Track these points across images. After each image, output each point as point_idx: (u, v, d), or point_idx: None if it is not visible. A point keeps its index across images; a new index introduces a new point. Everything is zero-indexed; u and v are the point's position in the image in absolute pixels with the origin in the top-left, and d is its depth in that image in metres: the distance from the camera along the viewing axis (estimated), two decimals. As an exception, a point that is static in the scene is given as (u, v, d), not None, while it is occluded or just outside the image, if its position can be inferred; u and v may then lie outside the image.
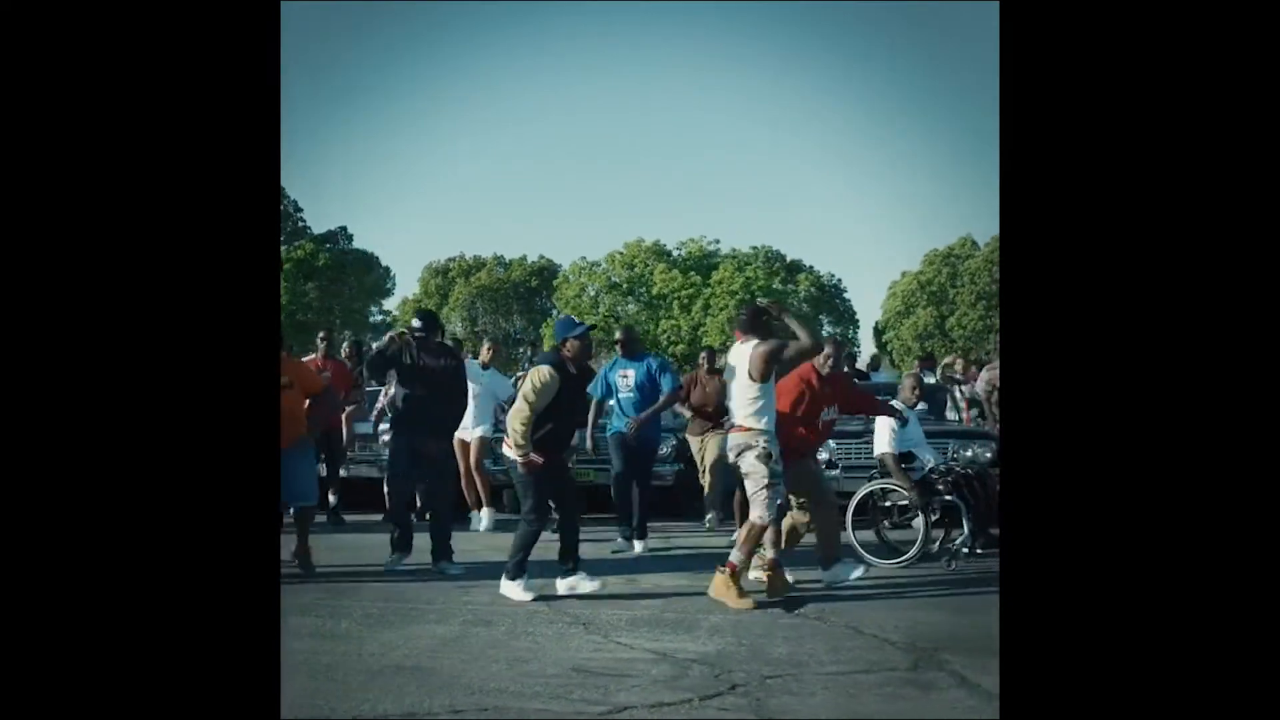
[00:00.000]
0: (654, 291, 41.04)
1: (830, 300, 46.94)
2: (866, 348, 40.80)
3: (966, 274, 43.17)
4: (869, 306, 58.86)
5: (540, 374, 5.24)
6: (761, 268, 42.17)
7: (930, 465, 6.82)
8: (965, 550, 6.46)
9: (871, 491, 6.78)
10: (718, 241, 44.61)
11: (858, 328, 48.48)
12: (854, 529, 6.60)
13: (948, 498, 6.58)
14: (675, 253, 44.34)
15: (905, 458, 6.80)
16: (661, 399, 7.21)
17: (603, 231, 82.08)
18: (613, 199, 73.51)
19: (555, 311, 44.12)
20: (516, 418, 5.25)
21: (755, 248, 45.52)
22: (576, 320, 5.75)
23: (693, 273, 42.55)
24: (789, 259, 46.63)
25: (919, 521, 6.58)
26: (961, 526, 6.55)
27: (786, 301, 34.44)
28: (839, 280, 47.84)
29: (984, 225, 42.52)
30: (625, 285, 41.41)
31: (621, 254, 43.91)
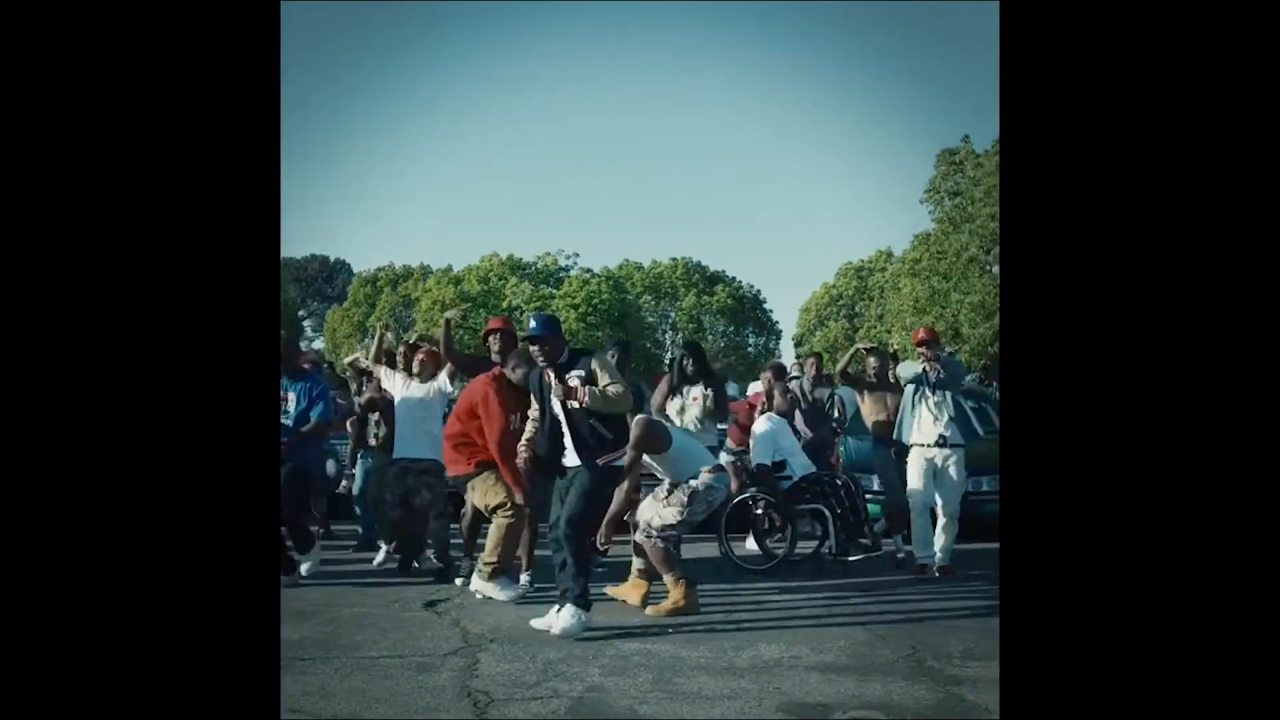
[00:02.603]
0: (504, 304, 41.59)
1: (750, 311, 47.54)
2: (788, 359, 41.39)
3: (876, 288, 43.68)
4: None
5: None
6: (605, 282, 43.56)
7: (799, 474, 6.88)
8: (830, 556, 6.64)
9: (744, 500, 6.88)
10: (576, 255, 47.16)
11: (779, 339, 49.29)
12: (727, 537, 6.74)
13: (813, 505, 6.75)
14: (531, 266, 45.86)
15: (778, 466, 6.88)
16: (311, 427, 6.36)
17: (602, 233, 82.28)
18: (595, 203, 74.56)
19: (412, 324, 44.71)
20: None
21: (675, 259, 46.17)
22: (539, 326, 4.99)
23: (545, 285, 43.96)
24: (710, 270, 47.28)
25: (790, 530, 6.78)
26: (828, 533, 6.68)
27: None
28: (758, 291, 48.65)
29: (910, 233, 42.44)
30: (480, 298, 42.28)
31: (476, 267, 45.18)
